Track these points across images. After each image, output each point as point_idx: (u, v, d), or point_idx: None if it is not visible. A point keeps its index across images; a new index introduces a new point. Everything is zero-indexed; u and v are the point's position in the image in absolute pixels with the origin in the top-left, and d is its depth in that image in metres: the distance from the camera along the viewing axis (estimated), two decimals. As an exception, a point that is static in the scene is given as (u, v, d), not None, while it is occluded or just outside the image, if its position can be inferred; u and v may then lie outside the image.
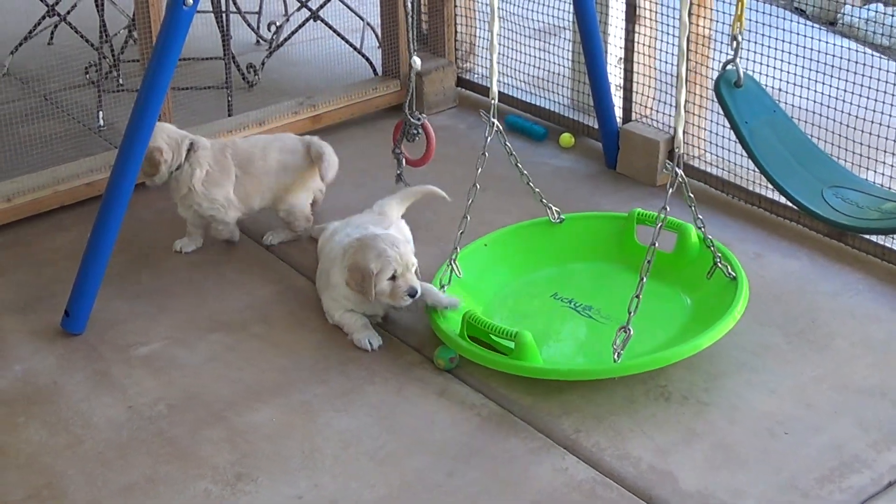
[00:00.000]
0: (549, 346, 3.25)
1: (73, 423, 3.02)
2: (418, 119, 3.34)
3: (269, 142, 3.84)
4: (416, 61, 3.32)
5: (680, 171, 3.08)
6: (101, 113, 4.76)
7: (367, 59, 5.18)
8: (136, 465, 2.86)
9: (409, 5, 3.41)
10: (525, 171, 3.49)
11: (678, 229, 3.41)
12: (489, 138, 3.35)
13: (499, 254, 3.56)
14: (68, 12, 5.31)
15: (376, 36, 5.46)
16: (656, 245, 3.08)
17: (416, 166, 3.41)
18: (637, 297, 3.00)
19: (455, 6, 4.91)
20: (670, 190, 3.04)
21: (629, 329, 2.98)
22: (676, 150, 3.09)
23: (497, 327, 3.11)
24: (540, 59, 4.69)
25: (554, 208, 3.61)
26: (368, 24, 5.50)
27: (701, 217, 3.29)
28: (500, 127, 3.39)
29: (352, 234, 3.43)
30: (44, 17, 5.36)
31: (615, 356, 2.99)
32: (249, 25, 5.65)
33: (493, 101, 3.36)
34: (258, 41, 5.67)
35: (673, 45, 3.83)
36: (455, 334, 3.18)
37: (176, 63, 3.26)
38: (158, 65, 3.23)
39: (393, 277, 3.22)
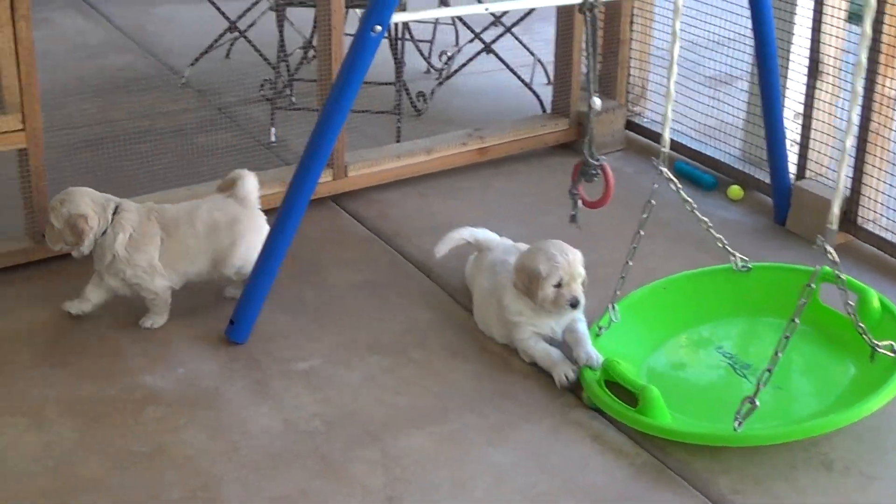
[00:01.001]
0: (691, 401, 3.18)
1: (231, 429, 3.06)
2: (598, 160, 3.32)
3: (197, 204, 3.60)
4: (597, 102, 3.30)
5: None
6: (273, 129, 4.86)
7: (537, 96, 5.19)
8: (290, 477, 2.89)
9: (592, 47, 3.39)
10: (704, 218, 3.43)
11: (860, 292, 3.30)
12: (657, 185, 3.32)
13: (674, 299, 3.51)
14: (248, 28, 5.45)
15: (546, 73, 5.48)
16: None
17: (592, 208, 3.38)
18: (768, 370, 2.91)
19: (630, 49, 4.89)
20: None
21: (755, 402, 2.91)
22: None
23: (627, 378, 3.08)
24: (712, 107, 4.64)
25: (738, 255, 3.53)
26: (539, 60, 5.52)
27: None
28: (673, 176, 3.34)
29: (507, 257, 3.46)
30: (225, 33, 5.51)
31: (736, 424, 2.92)
32: (421, 54, 5.72)
33: (663, 150, 3.33)
34: (429, 69, 5.72)
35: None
36: (595, 378, 3.16)
37: (359, 86, 3.30)
38: (343, 87, 3.28)
39: (559, 285, 3.22)
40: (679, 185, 3.37)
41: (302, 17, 5.34)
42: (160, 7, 6.74)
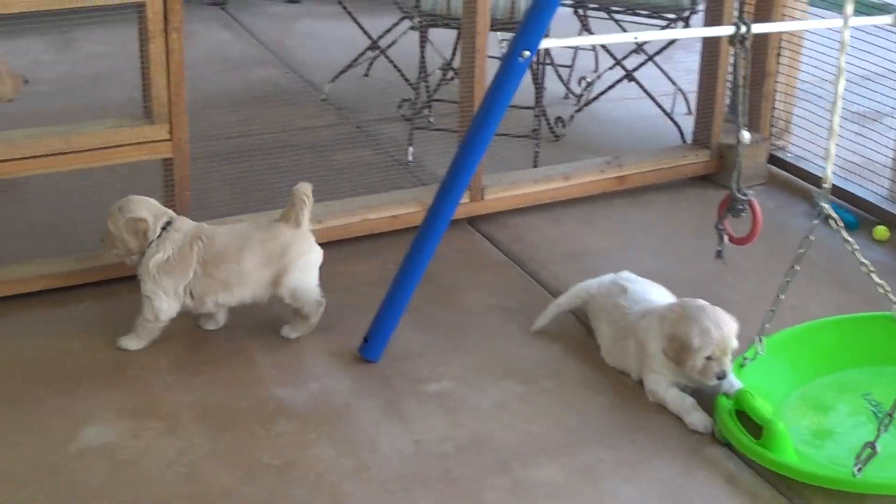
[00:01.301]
0: (825, 445, 3.10)
1: (361, 447, 3.06)
2: (745, 195, 3.25)
3: (249, 234, 3.50)
4: (746, 135, 3.24)
5: None
6: (410, 148, 4.87)
7: (677, 125, 5.13)
8: (419, 499, 2.87)
9: (742, 79, 3.33)
10: (866, 261, 3.32)
11: None
12: (817, 221, 3.22)
13: (825, 340, 3.41)
14: (388, 47, 5.49)
15: (686, 102, 5.41)
16: None
17: (738, 244, 3.31)
18: (890, 414, 2.82)
19: (775, 82, 4.79)
20: None
21: (875, 447, 2.81)
22: None
23: (756, 409, 3.01)
24: (859, 144, 4.52)
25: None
26: (680, 89, 5.45)
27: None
28: (835, 215, 3.24)
29: (649, 302, 3.40)
30: (365, 51, 5.55)
31: (856, 469, 2.82)
32: (560, 79, 5.69)
33: (825, 186, 3.23)
34: (567, 95, 5.69)
35: None
36: (727, 408, 3.10)
37: (504, 111, 3.29)
38: (488, 111, 3.27)
39: (709, 358, 3.15)
40: (841, 224, 3.26)
41: (442, 37, 5.35)
42: (301, 22, 6.83)
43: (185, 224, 3.48)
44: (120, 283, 3.74)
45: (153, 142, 3.70)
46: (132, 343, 3.46)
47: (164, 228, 3.43)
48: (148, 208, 3.46)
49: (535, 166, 4.75)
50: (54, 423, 3.13)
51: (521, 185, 4.42)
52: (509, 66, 3.21)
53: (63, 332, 3.56)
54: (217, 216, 3.98)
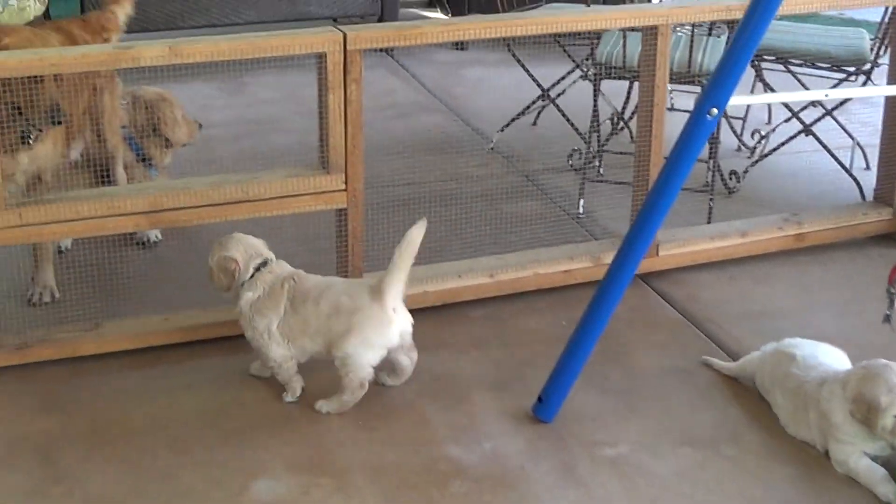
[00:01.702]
0: None
1: (535, 513, 2.98)
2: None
3: (332, 283, 3.46)
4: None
5: None
6: (581, 201, 4.79)
7: (856, 181, 4.94)
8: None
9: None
10: None
11: None
12: None
13: None
14: (558, 96, 5.43)
15: (865, 158, 5.23)
16: None
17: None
18: None
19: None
20: None
21: None
22: None
23: None
24: None
25: None
26: (858, 143, 5.26)
27: None
28: None
29: (823, 366, 3.26)
30: (536, 100, 5.50)
31: None
32: (734, 131, 5.55)
33: None
34: (739, 147, 5.54)
35: None
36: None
37: (690, 168, 3.19)
38: (673, 169, 3.16)
39: None
40: None
41: (613, 88, 5.26)
42: (470, 69, 6.82)
43: (281, 267, 3.48)
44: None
45: (329, 192, 3.69)
46: (291, 382, 3.46)
47: (257, 269, 3.44)
48: (244, 248, 3.46)
49: (709, 221, 4.62)
50: (226, 473, 3.13)
51: (697, 242, 4.30)
52: (696, 123, 3.10)
53: (234, 382, 3.57)
54: (384, 268, 3.96)
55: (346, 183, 3.70)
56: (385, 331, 3.36)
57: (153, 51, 3.36)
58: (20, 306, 3.88)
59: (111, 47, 3.45)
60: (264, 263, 3.46)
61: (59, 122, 3.58)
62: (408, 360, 3.48)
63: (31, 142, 3.63)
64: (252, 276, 3.44)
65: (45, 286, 3.91)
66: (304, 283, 3.45)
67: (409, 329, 3.43)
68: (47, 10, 6.32)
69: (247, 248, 3.47)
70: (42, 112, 3.50)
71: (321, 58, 3.58)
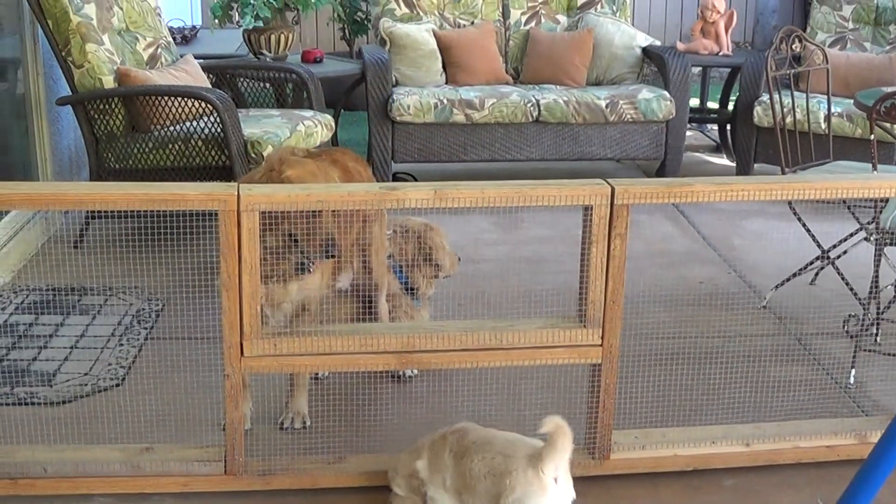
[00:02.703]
0: None
1: None
2: None
3: (494, 440, 3.30)
4: None
5: None
6: (853, 370, 4.53)
7: None
8: None
9: None
10: None
11: None
12: None
13: None
14: (838, 257, 5.20)
15: None
16: None
17: None
18: None
19: None
20: None
21: None
22: None
23: None
24: None
25: None
26: None
27: None
28: None
29: None
30: (815, 259, 5.29)
31: None
32: None
33: None
34: None
35: None
36: None
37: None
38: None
39: None
40: None
41: (900, 253, 5.01)
42: (751, 221, 6.64)
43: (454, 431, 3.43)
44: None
45: (584, 346, 3.62)
46: None
47: None
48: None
49: None
50: None
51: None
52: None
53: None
54: (636, 426, 3.85)
55: (602, 338, 3.63)
56: (539, 499, 3.17)
57: (418, 194, 3.41)
58: (271, 430, 3.97)
59: (378, 188, 3.53)
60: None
61: (333, 256, 3.69)
62: None
63: (308, 272, 3.75)
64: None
65: (297, 413, 4.00)
66: (467, 435, 3.37)
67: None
68: (335, 135, 6.61)
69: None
70: (317, 245, 3.62)
71: (587, 210, 3.54)
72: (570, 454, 3.18)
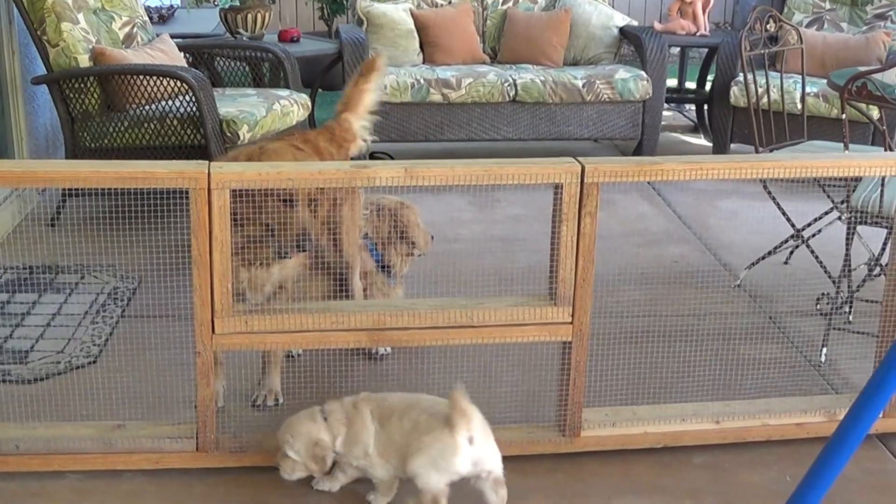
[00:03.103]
0: None
1: None
2: None
3: (416, 403, 3.45)
4: None
5: None
6: (824, 349, 4.57)
7: None
8: None
9: None
10: None
11: None
12: None
13: None
14: (812, 236, 5.23)
15: None
16: None
17: None
18: None
19: None
20: None
21: None
22: None
23: None
24: None
25: None
26: None
27: None
28: None
29: None
30: (788, 239, 5.32)
31: None
32: None
33: None
34: None
35: None
36: None
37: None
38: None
39: None
40: None
41: (874, 231, 5.02)
42: (726, 200, 6.67)
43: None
44: (504, 462, 3.69)
45: (554, 324, 3.64)
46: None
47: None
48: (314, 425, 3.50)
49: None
50: None
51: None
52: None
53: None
54: (606, 403, 3.87)
55: (572, 316, 3.64)
56: (452, 458, 3.29)
57: (389, 172, 3.42)
58: (243, 408, 3.99)
59: (348, 166, 3.53)
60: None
61: (306, 249, 3.69)
62: (494, 497, 3.37)
63: (288, 258, 3.77)
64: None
65: (270, 390, 4.01)
66: (384, 400, 3.49)
67: (491, 465, 3.35)
68: (312, 114, 6.61)
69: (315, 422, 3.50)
70: (291, 237, 3.63)
71: (557, 188, 3.56)
72: (478, 416, 3.33)
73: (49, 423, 3.72)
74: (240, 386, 4.10)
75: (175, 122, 5.65)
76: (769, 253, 5.36)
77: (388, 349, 4.43)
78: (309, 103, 6.38)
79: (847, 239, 4.77)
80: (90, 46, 5.84)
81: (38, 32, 5.72)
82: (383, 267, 4.63)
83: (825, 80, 6.39)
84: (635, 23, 7.97)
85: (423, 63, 7.47)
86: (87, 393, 3.93)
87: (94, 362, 4.32)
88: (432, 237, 4.73)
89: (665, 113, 7.97)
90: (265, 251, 3.73)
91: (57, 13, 5.69)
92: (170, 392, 4.00)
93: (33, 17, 5.70)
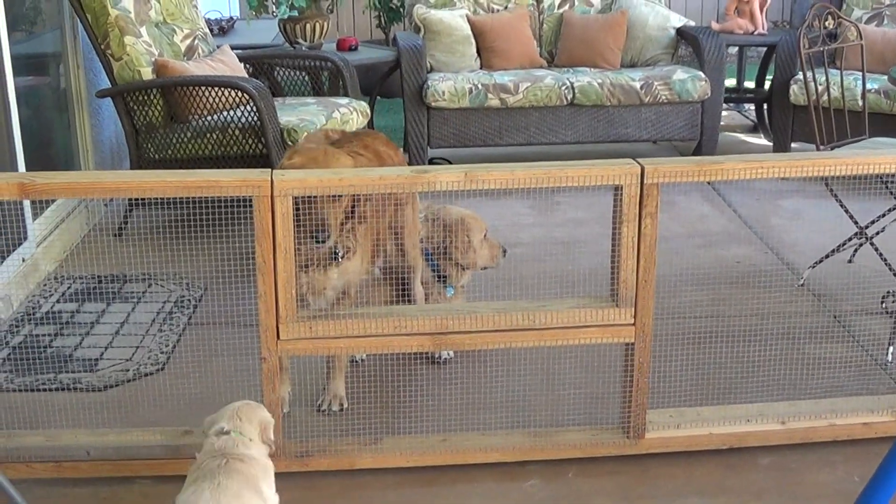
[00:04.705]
0: None
1: None
2: None
3: None
4: None
5: None
6: (891, 348, 4.52)
7: None
8: None
9: None
10: None
11: None
12: None
13: None
14: (876, 234, 5.18)
15: None
16: None
17: None
18: None
19: None
20: None
21: None
22: None
23: None
24: None
25: None
26: None
27: None
28: None
29: None
30: (852, 237, 5.27)
31: None
32: None
33: None
34: None
35: None
36: None
37: None
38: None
39: None
40: None
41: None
42: (789, 200, 6.62)
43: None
44: (569, 464, 3.70)
45: (616, 325, 3.64)
46: None
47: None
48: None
49: None
50: None
51: None
52: None
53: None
54: (671, 405, 3.87)
55: (634, 317, 3.64)
56: None
57: (449, 176, 3.44)
58: (309, 413, 4.02)
59: (409, 171, 3.56)
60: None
61: (322, 242, 3.66)
62: None
63: (340, 259, 3.79)
64: None
65: (335, 395, 4.04)
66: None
67: None
68: (371, 121, 6.65)
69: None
70: (308, 230, 3.60)
71: (618, 190, 3.56)
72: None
73: (119, 430, 3.78)
74: (305, 391, 4.13)
75: (237, 131, 5.72)
76: (833, 252, 5.31)
77: (451, 353, 4.44)
78: (368, 111, 6.42)
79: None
80: (153, 59, 5.92)
81: (102, 47, 5.81)
82: (439, 276, 4.61)
83: (886, 77, 6.34)
84: (692, 23, 7.93)
85: (481, 68, 7.49)
86: (156, 400, 3.99)
87: (162, 369, 4.39)
88: (504, 251, 4.67)
89: (724, 113, 7.92)
90: (319, 253, 3.74)
91: (120, 27, 5.78)
92: (236, 398, 4.02)
93: (97, 31, 5.79)
